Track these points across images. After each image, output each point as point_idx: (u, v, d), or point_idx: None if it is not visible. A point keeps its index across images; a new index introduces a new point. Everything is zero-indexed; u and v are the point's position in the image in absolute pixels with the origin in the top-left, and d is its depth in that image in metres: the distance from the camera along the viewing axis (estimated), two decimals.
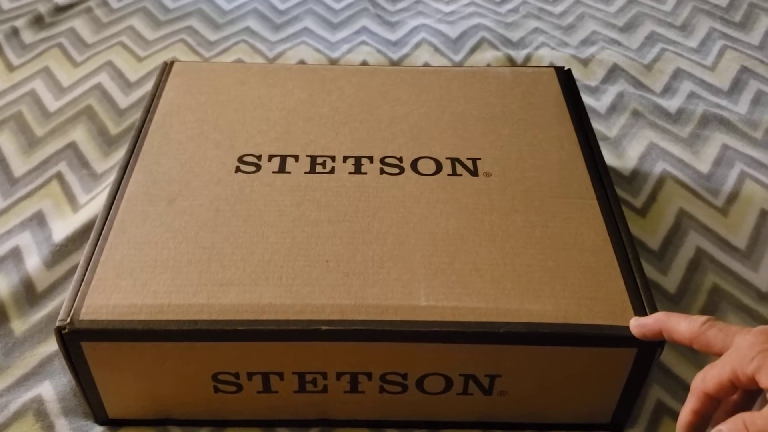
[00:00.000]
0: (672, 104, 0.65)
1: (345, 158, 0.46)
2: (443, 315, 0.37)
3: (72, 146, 0.60)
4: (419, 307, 0.38)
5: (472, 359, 0.38)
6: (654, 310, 0.38)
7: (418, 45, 0.73)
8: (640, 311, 0.38)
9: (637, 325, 0.37)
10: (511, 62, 0.70)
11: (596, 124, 0.63)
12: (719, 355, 0.32)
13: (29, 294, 0.49)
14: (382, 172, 0.45)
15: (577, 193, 0.44)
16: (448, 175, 0.45)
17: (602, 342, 0.37)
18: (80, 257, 0.41)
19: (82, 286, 0.39)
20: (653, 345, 0.37)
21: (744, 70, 0.69)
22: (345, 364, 0.39)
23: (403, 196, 0.44)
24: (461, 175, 0.45)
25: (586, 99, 0.66)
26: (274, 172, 0.45)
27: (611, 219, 0.43)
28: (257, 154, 0.46)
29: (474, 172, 0.45)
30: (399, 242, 0.41)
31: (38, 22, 0.75)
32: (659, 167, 0.59)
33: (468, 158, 0.46)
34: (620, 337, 0.37)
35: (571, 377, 0.39)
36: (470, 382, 0.40)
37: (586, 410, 0.41)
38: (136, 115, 0.63)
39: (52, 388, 0.44)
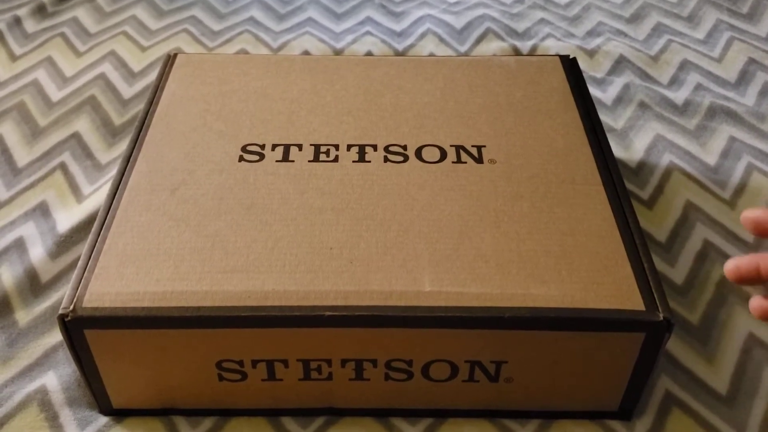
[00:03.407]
0: (679, 96, 0.65)
1: (349, 147, 0.46)
2: (448, 300, 0.37)
3: (75, 136, 0.60)
4: (424, 293, 0.37)
5: (478, 345, 0.38)
6: (662, 294, 0.38)
7: (423, 35, 0.73)
8: (648, 296, 0.38)
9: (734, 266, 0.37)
10: (517, 53, 0.70)
11: (603, 116, 0.63)
12: None
13: (33, 285, 0.49)
14: (386, 160, 0.45)
15: (583, 179, 0.44)
16: (453, 162, 0.45)
17: (609, 326, 0.37)
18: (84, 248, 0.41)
19: (85, 274, 0.39)
20: (661, 329, 0.37)
21: (751, 62, 0.69)
22: (349, 351, 0.39)
23: (408, 183, 0.43)
24: (466, 163, 0.45)
25: (593, 90, 0.65)
26: (277, 161, 0.45)
27: (618, 204, 0.42)
28: (260, 144, 0.46)
29: (479, 160, 0.45)
30: (403, 229, 0.41)
31: (41, 11, 0.75)
32: (666, 159, 0.59)
33: (473, 146, 0.46)
34: (627, 321, 0.37)
35: (577, 363, 0.39)
36: (476, 369, 0.39)
37: (594, 397, 0.41)
38: (140, 106, 0.63)
39: (57, 378, 0.44)
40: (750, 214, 0.38)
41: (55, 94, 0.65)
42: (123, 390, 0.41)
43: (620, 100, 0.65)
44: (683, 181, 0.57)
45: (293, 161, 0.45)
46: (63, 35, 0.72)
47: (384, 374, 0.40)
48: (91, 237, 0.41)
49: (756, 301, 0.38)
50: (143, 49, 0.70)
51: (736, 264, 0.38)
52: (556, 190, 0.43)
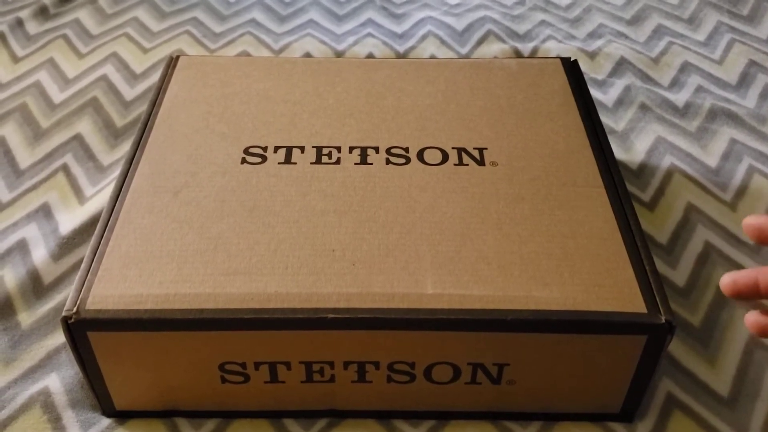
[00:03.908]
0: (679, 98, 0.65)
1: (351, 149, 0.46)
2: (450, 303, 0.37)
3: (78, 138, 0.60)
4: (426, 295, 0.38)
5: (480, 347, 0.38)
6: (663, 297, 0.38)
7: (424, 37, 0.73)
8: (649, 298, 0.38)
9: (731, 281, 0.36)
10: (518, 55, 0.70)
11: (604, 118, 0.63)
12: None
13: (36, 287, 0.49)
14: (388, 162, 0.45)
15: (584, 182, 0.44)
16: (455, 164, 0.45)
17: (611, 329, 0.37)
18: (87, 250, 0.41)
19: (88, 277, 0.39)
20: (663, 332, 0.37)
21: (752, 64, 0.69)
22: (352, 353, 0.39)
23: (410, 185, 0.44)
24: (467, 165, 0.45)
25: (594, 92, 0.66)
26: (279, 163, 0.45)
27: (619, 207, 0.42)
28: (263, 146, 0.46)
29: (480, 162, 0.45)
30: (405, 231, 0.41)
31: (43, 13, 0.75)
32: (667, 161, 0.59)
33: (474, 148, 0.46)
34: (629, 323, 0.37)
35: (579, 366, 0.39)
36: (478, 371, 0.39)
37: (596, 400, 0.41)
38: (142, 108, 0.63)
39: (59, 380, 0.44)
40: (752, 221, 0.37)
41: (57, 95, 0.65)
42: (126, 392, 0.41)
43: (621, 102, 0.65)
44: (684, 183, 0.57)
45: (295, 163, 0.45)
46: (65, 37, 0.72)
47: (386, 376, 0.40)
48: (93, 239, 0.41)
49: (753, 317, 0.37)
50: (145, 50, 0.71)
51: (732, 278, 0.36)
52: (557, 193, 0.43)
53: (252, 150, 0.46)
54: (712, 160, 0.59)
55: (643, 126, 0.62)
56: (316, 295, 0.38)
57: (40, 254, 0.51)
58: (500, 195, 0.43)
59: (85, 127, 0.61)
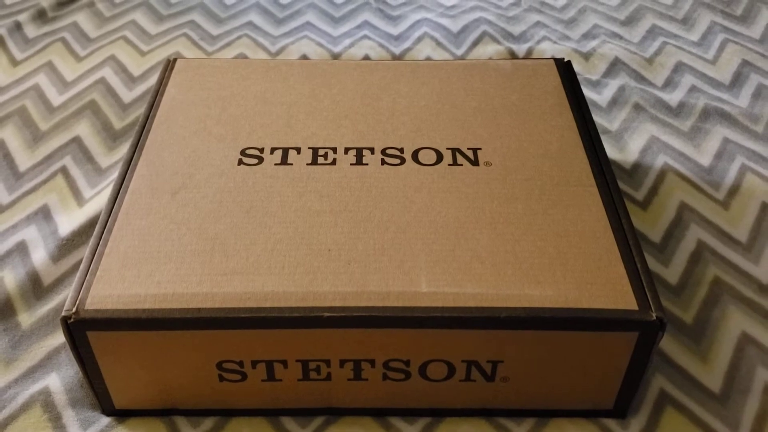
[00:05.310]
0: (673, 98, 0.66)
1: (346, 150, 0.47)
2: (444, 301, 0.38)
3: (76, 141, 0.61)
4: (420, 294, 0.38)
5: (474, 345, 0.39)
6: (655, 294, 0.38)
7: (419, 39, 0.73)
8: (641, 295, 0.38)
9: None
10: (513, 56, 0.71)
11: (598, 118, 0.63)
12: None
13: (36, 288, 0.50)
14: (383, 162, 0.46)
15: (577, 181, 0.44)
16: (449, 165, 0.45)
17: (603, 326, 0.38)
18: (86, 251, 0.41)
19: (87, 277, 0.39)
20: (654, 328, 0.38)
21: (745, 63, 0.69)
22: (348, 351, 0.39)
23: (404, 186, 0.44)
24: (462, 165, 0.45)
25: (588, 93, 0.66)
26: (276, 164, 0.46)
27: (611, 206, 0.43)
28: (259, 147, 0.47)
29: (474, 162, 0.46)
30: (400, 231, 0.41)
31: (41, 16, 0.75)
32: (660, 160, 0.59)
33: (468, 148, 0.47)
34: (621, 320, 0.37)
35: (572, 362, 0.40)
36: (473, 369, 0.40)
37: (589, 396, 0.42)
38: (140, 110, 0.64)
39: (59, 380, 0.44)
40: None
41: (55, 98, 0.65)
42: (125, 391, 0.41)
43: (615, 102, 0.65)
44: (677, 182, 0.58)
45: (292, 164, 0.46)
46: (63, 40, 0.72)
47: (382, 374, 0.40)
48: (92, 240, 0.41)
49: None
50: (143, 53, 0.71)
51: None
52: (550, 192, 0.44)
53: (249, 151, 0.47)
54: (705, 159, 0.60)
55: (636, 126, 0.63)
56: (312, 294, 0.38)
57: (39, 256, 0.51)
58: (494, 194, 0.43)
59: (83, 129, 0.62)
